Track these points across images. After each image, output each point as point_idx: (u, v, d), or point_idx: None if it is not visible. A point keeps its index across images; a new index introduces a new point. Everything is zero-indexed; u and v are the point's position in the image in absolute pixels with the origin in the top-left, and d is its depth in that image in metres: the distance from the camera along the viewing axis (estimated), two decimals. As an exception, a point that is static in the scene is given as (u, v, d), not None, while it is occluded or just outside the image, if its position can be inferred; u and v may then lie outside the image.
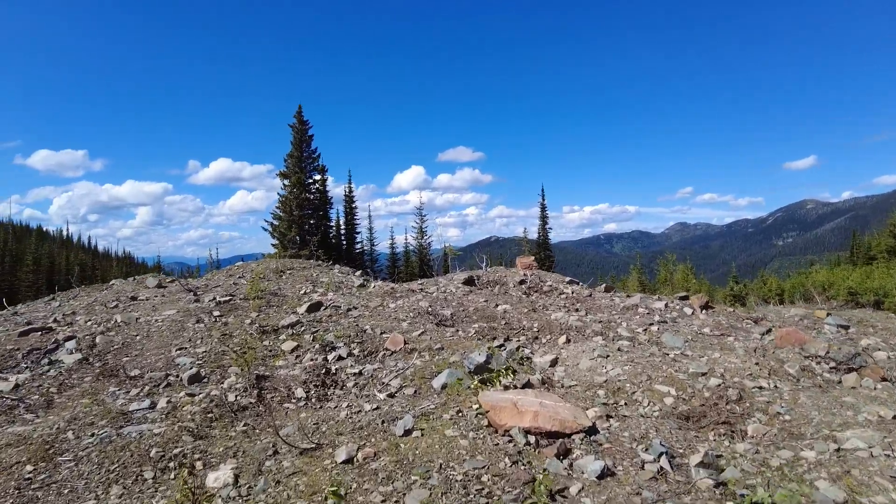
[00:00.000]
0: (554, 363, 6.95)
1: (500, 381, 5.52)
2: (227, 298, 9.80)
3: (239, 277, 14.95)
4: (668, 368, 6.55)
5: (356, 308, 9.29)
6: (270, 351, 7.34)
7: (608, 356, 6.92)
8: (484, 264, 18.89)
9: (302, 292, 10.90)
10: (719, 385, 6.04)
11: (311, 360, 6.93)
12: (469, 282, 13.56)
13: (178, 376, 6.47)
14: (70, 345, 7.41)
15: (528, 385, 5.82)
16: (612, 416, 5.34)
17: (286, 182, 34.21)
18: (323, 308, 9.10)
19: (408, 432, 4.63)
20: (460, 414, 5.07)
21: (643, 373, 6.38)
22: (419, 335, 7.70)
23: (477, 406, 5.15)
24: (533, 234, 47.04)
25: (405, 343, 7.25)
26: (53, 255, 43.28)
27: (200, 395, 5.76)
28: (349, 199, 40.63)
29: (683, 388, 6.01)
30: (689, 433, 5.08)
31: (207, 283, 13.10)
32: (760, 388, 6.08)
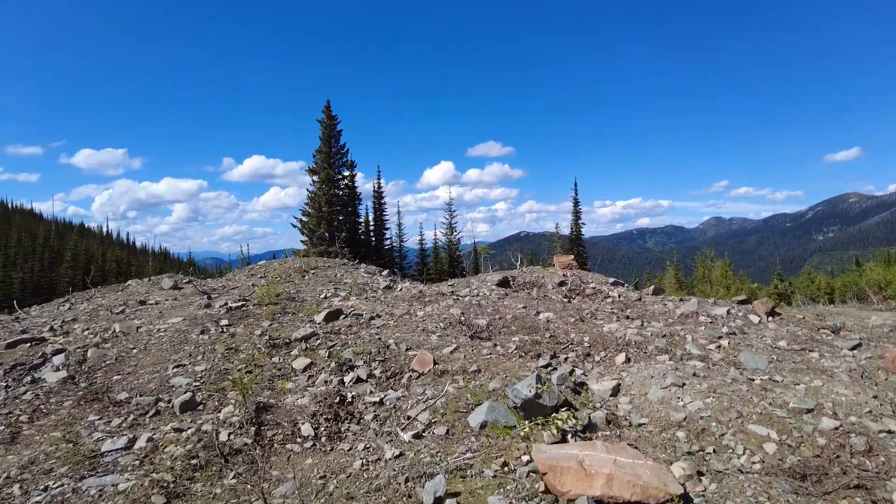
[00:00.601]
0: (616, 391, 5.68)
1: (556, 425, 4.30)
2: (240, 304, 8.82)
3: (260, 277, 14.05)
4: (761, 401, 5.22)
5: (380, 316, 8.17)
6: (279, 370, 6.27)
7: (683, 384, 5.60)
8: (518, 263, 17.62)
9: (322, 296, 9.85)
10: (836, 429, 4.68)
11: (325, 382, 5.83)
12: (504, 283, 12.36)
13: (169, 402, 5.45)
14: (58, 359, 6.50)
15: (590, 426, 4.59)
16: (703, 474, 4.06)
17: (315, 178, 33.42)
18: (343, 316, 8.01)
19: (439, 501, 3.46)
20: (507, 469, 3.88)
21: (731, 407, 5.06)
22: (451, 352, 6.53)
23: (527, 458, 3.95)
24: (565, 230, 45.30)
25: (435, 363, 6.08)
26: (91, 251, 43.73)
27: (189, 431, 4.71)
28: (378, 195, 39.69)
29: (787, 431, 4.68)
30: (812, 501, 3.78)
31: (225, 285, 12.22)
32: (889, 432, 4.70)
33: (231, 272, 15.74)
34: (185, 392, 5.60)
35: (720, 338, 7.80)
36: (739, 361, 6.62)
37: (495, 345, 7.20)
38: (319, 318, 7.89)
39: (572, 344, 7.51)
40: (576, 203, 46.65)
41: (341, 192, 34.23)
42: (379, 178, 40.27)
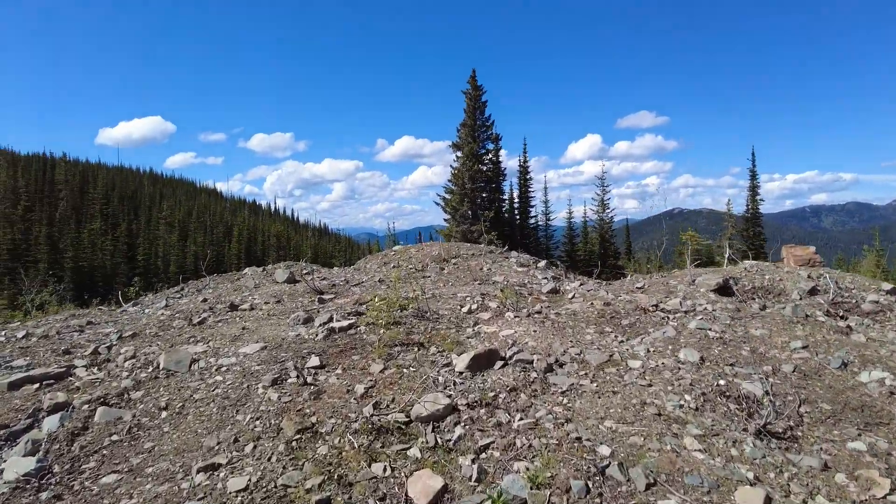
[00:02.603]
0: None
1: None
2: (349, 322, 5.78)
3: (393, 267, 11.25)
4: None
5: (562, 365, 4.58)
6: (381, 499, 3.01)
7: None
8: (727, 254, 12.86)
9: (464, 309, 6.52)
10: None
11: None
12: (724, 289, 8.16)
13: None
14: (49, 423, 3.91)
15: None
16: None
17: (459, 154, 30.58)
18: (500, 364, 4.54)
19: None
20: None
21: None
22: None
23: None
24: (724, 206, 37.29)
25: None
26: (255, 227, 45.90)
27: None
28: (524, 170, 35.80)
29: None
30: None
31: (348, 279, 9.49)
32: None
33: (363, 259, 13.22)
34: (184, 565, 2.55)
35: None
36: None
37: (826, 466, 3.24)
38: (461, 363, 4.51)
39: None
40: (753, 176, 38.83)
41: (485, 168, 30.98)
42: (525, 153, 36.35)
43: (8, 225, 32.21)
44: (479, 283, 8.81)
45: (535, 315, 6.47)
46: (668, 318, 6.63)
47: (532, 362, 4.54)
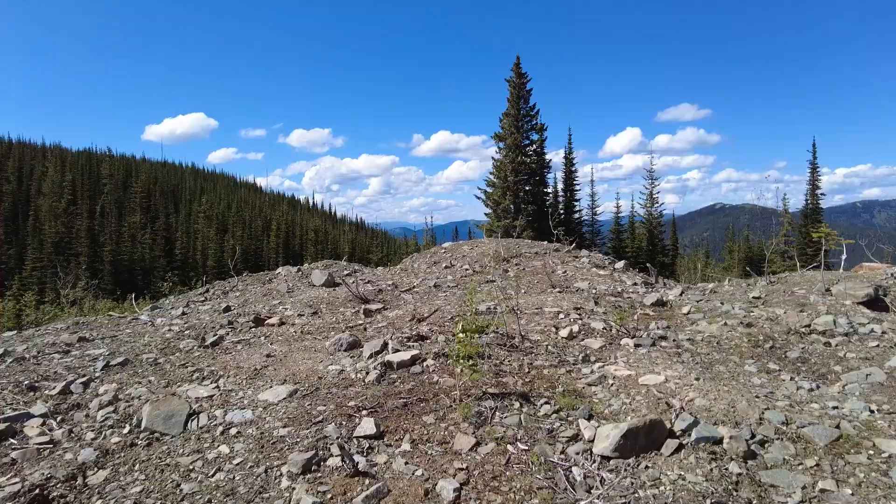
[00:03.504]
0: None
1: None
2: (411, 354, 4.09)
3: (445, 268, 9.60)
4: None
5: (764, 445, 2.79)
6: None
7: None
8: (843, 255, 10.64)
9: (562, 333, 4.74)
10: None
11: None
12: (874, 302, 6.21)
13: None
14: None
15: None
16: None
17: (501, 145, 28.54)
18: (672, 445, 2.77)
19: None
20: None
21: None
22: None
23: None
24: (769, 202, 34.15)
25: None
26: (293, 222, 44.98)
27: None
28: (569, 162, 33.50)
29: None
30: None
31: (397, 283, 7.86)
32: None
33: (409, 258, 11.58)
34: None
35: None
36: None
37: None
38: (603, 441, 2.75)
39: None
40: (814, 169, 35.85)
41: (529, 160, 28.90)
42: (570, 144, 34.04)
43: (52, 219, 32.07)
44: (560, 291, 7.03)
45: (661, 343, 4.65)
46: (831, 344, 4.82)
47: (721, 441, 2.74)
